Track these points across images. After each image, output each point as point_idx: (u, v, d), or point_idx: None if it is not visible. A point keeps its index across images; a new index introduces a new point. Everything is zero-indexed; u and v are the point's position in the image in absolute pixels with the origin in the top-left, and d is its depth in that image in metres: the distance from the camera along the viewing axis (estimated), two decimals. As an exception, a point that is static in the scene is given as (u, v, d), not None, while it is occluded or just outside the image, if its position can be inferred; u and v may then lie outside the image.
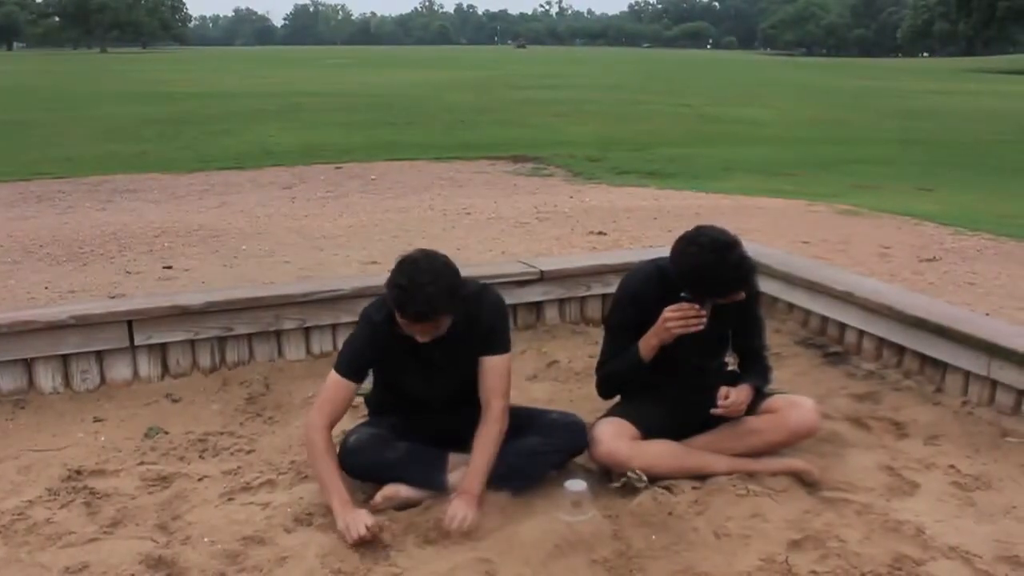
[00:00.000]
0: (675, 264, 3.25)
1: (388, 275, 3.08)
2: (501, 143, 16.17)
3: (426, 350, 3.17)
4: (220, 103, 25.60)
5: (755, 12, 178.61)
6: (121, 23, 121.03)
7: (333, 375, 3.28)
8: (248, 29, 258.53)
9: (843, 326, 4.92)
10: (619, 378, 3.52)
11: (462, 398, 3.31)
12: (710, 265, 3.16)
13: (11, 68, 54.63)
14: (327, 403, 3.27)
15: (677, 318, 3.25)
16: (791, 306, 5.27)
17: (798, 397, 3.61)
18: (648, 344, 3.34)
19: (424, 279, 2.97)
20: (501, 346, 3.31)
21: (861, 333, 4.79)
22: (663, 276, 3.41)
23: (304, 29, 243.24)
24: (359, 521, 2.97)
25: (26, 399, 4.22)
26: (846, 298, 4.83)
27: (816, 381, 4.49)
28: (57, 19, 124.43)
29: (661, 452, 3.34)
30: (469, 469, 3.17)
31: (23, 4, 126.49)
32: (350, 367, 3.27)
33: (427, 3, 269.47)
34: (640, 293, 3.44)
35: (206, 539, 3.05)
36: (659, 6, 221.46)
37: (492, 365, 3.28)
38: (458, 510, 3.02)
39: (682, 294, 3.29)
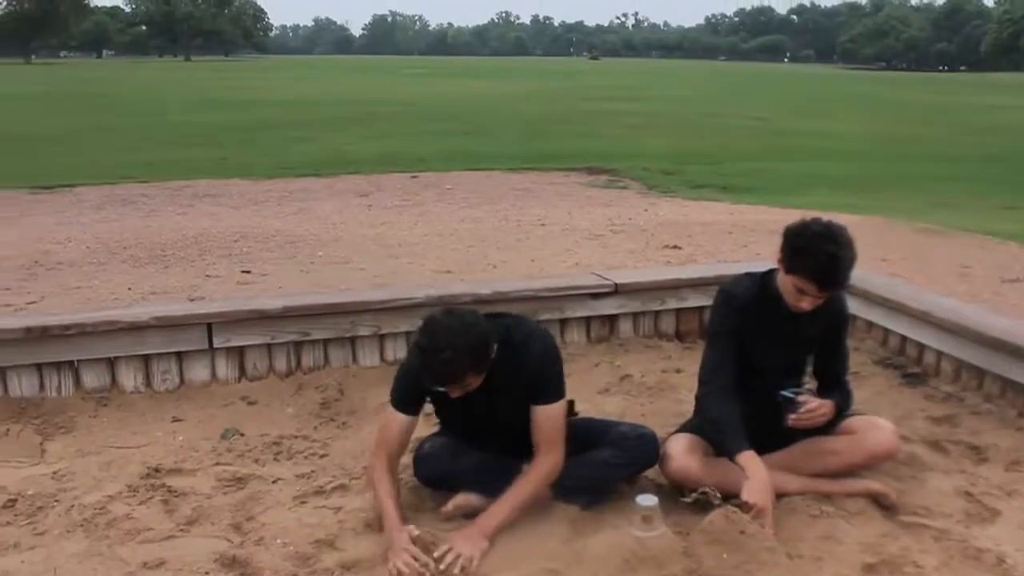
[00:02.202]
0: (801, 252, 3.18)
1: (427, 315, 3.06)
2: (575, 154, 16.17)
3: (466, 397, 3.09)
4: (299, 111, 26.03)
5: (834, 26, 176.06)
6: (205, 32, 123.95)
7: (389, 409, 3.28)
8: (327, 38, 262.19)
9: (922, 346, 4.81)
10: (711, 428, 3.43)
11: (515, 434, 3.24)
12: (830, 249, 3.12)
13: (100, 75, 56.18)
14: (385, 441, 3.26)
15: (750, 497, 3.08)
16: (870, 324, 5.18)
17: (877, 419, 3.54)
18: (739, 462, 3.17)
19: (441, 344, 2.90)
20: (552, 394, 3.19)
21: (940, 354, 4.68)
22: (764, 289, 3.38)
23: (382, 39, 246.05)
24: (398, 550, 2.93)
25: (109, 397, 4.34)
26: (924, 318, 4.73)
27: (894, 402, 4.40)
28: (144, 28, 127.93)
29: (733, 469, 3.30)
30: (495, 503, 3.11)
31: (113, 14, 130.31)
32: (402, 402, 3.26)
33: (504, 14, 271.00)
34: (743, 302, 3.40)
35: (279, 540, 3.09)
36: (736, 19, 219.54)
37: (543, 414, 3.18)
38: (461, 547, 2.94)
39: (782, 392, 3.27)
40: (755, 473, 3.12)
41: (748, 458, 3.16)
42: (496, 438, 3.30)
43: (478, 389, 3.08)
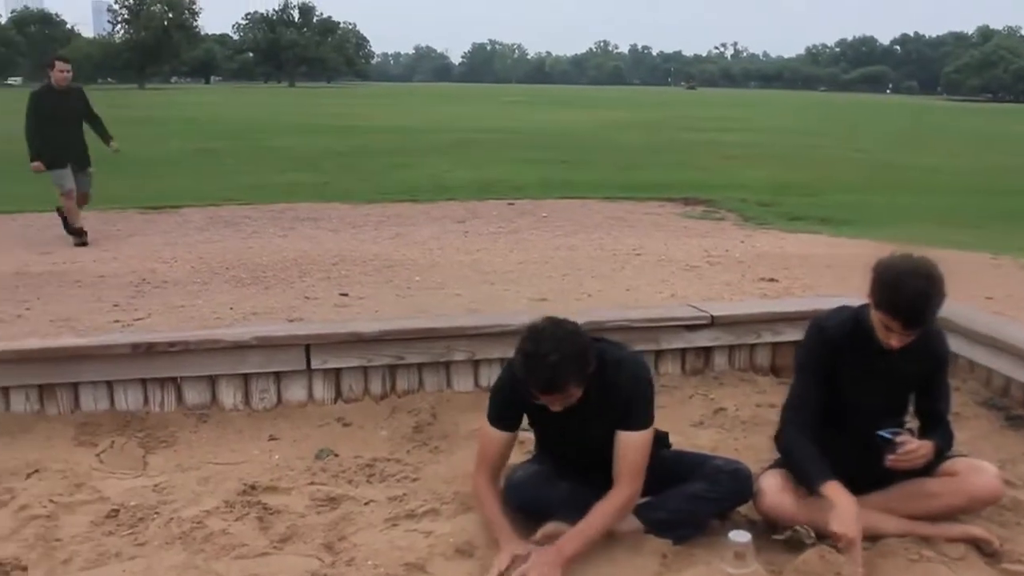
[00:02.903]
0: (887, 288, 3.09)
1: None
2: (672, 184, 16.06)
3: (562, 414, 3.11)
4: (398, 137, 26.44)
5: (938, 56, 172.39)
6: (309, 59, 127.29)
7: (486, 427, 3.32)
8: (427, 66, 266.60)
9: (1029, 388, 4.66)
10: (790, 463, 3.39)
11: (606, 459, 3.22)
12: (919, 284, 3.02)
13: (208, 100, 57.94)
14: (485, 458, 3.33)
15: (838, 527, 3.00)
16: (972, 364, 5.03)
17: (979, 461, 3.43)
18: (824, 493, 3.11)
19: (547, 348, 2.92)
20: (639, 421, 3.16)
21: (1048, 397, 4.53)
22: (857, 323, 3.30)
23: (481, 67, 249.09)
24: (503, 557, 3.02)
25: (209, 414, 4.45)
26: (1032, 359, 4.57)
27: (997, 445, 4.25)
28: (251, 55, 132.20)
29: (827, 508, 3.23)
30: (573, 528, 3.08)
31: (222, 41, 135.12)
32: (499, 419, 3.30)
33: (602, 43, 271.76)
34: (835, 335, 3.32)
35: (370, 562, 3.12)
36: (837, 49, 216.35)
37: (627, 441, 3.15)
38: (538, 570, 2.93)
39: (880, 432, 3.19)
40: (842, 503, 3.04)
41: (833, 488, 3.09)
42: (588, 462, 3.29)
43: (573, 408, 3.09)
